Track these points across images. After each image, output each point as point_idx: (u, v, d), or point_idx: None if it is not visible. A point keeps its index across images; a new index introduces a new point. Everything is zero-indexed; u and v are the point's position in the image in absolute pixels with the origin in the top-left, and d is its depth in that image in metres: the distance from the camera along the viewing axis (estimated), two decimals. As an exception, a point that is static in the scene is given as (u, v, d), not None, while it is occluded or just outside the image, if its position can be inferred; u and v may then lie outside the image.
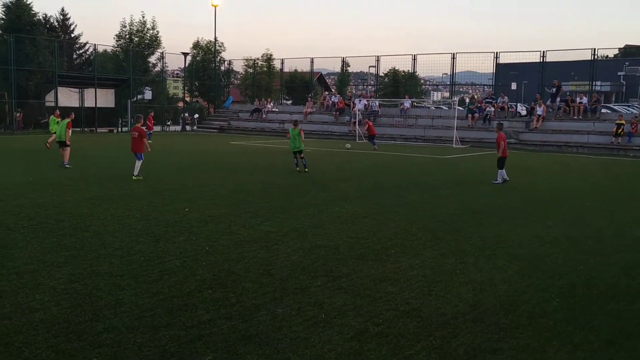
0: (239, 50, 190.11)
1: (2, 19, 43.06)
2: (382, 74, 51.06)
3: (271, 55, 54.58)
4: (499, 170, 15.64)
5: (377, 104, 39.94)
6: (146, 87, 49.32)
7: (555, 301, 6.01)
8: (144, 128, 16.71)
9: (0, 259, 6.93)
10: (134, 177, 14.73)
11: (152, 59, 50.50)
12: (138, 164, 15.09)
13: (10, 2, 42.76)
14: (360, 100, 40.38)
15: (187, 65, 50.14)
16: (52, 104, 41.00)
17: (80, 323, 5.00)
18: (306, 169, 17.28)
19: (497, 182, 15.45)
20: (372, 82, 50.88)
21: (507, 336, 5.03)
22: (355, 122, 36.21)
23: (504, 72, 43.15)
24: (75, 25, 56.06)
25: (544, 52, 35.57)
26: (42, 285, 6.02)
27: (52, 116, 22.37)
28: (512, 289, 6.37)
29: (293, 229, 9.22)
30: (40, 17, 47.54)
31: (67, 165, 17.29)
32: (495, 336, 5.02)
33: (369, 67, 48.99)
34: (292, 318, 5.29)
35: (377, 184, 15.04)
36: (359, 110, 37.42)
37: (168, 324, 5.04)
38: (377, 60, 43.55)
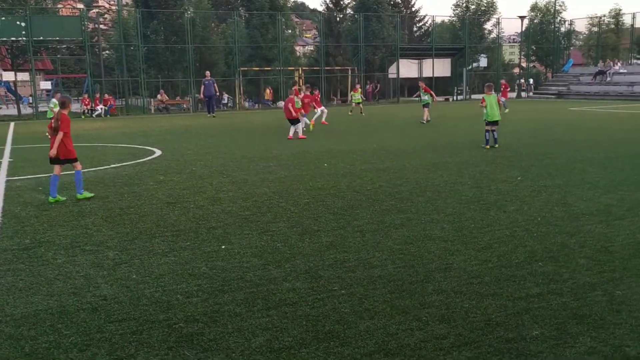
0: (582, 8, 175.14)
1: (353, 0, 47.55)
2: None
3: (620, 10, 49.23)
4: None
5: None
6: (481, 55, 49.20)
7: None
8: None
9: (349, 219, 7.78)
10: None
11: (488, 26, 50.15)
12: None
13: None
14: None
15: (523, 29, 48.29)
16: (394, 76, 44.03)
17: (412, 283, 5.33)
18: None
19: None
20: None
21: None
22: None
23: None
24: (416, 0, 58.62)
25: None
26: (380, 244, 6.57)
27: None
28: None
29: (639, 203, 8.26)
30: (385, -5, 50.99)
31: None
32: None
33: None
34: (632, 302, 4.78)
35: None
36: None
37: (495, 293, 5.03)
38: None
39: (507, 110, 28.40)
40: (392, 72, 44.43)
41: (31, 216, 8.23)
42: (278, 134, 19.54)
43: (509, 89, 32.82)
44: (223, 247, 6.57)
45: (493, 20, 49.28)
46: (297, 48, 56.80)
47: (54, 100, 21.57)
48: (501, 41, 52.23)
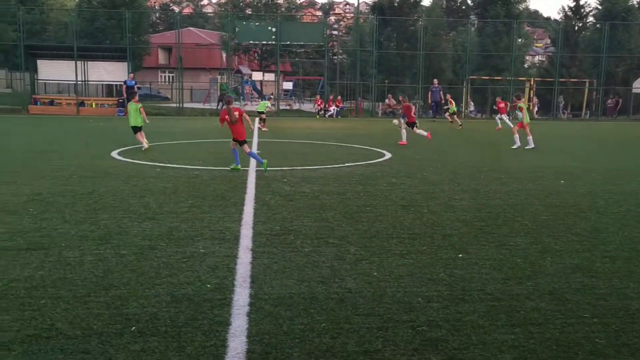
0: None
1: (597, 8, 44.14)
2: None
3: None
4: None
5: None
6: None
7: None
8: None
9: (594, 242, 7.21)
10: None
11: None
12: None
13: (608, -10, 43.36)
14: None
15: None
16: (639, 91, 39.91)
17: None
18: None
19: None
20: None
21: None
22: None
23: None
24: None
25: None
26: (635, 274, 5.97)
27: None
28: None
29: None
30: (635, 3, 46.54)
31: None
32: None
33: None
34: None
35: None
36: None
37: None
38: None
39: None
40: (636, 86, 40.26)
41: (279, 205, 8.96)
42: (505, 145, 18.85)
43: None
44: (460, 255, 6.51)
45: None
46: (527, 58, 54.39)
47: (266, 102, 27.86)
48: None
